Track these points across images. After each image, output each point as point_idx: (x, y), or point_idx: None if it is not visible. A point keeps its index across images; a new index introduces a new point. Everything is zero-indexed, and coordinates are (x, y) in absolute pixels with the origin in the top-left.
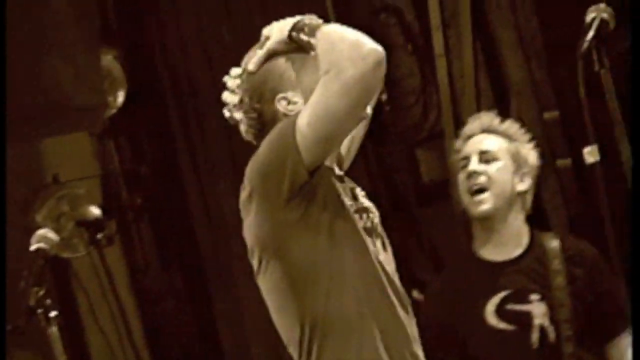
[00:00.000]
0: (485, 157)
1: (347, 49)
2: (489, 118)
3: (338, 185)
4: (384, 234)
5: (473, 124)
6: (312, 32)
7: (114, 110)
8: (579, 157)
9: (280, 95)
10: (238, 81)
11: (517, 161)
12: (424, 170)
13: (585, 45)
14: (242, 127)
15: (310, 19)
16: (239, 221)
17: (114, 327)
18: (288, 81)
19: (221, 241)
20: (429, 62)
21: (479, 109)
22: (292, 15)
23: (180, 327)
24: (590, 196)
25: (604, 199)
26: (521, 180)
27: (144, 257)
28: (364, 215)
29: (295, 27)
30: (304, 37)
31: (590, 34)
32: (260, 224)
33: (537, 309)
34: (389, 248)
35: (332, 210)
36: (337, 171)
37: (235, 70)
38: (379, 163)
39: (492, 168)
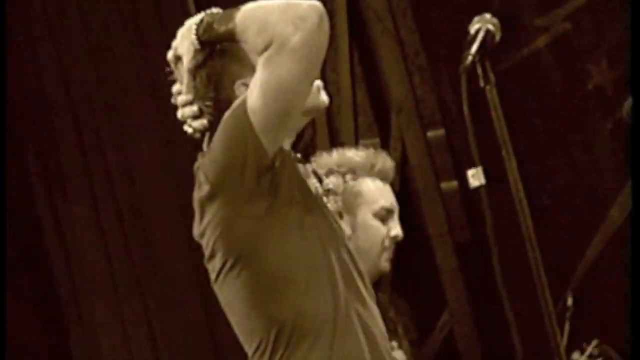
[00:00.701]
0: None
1: (283, 16)
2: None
3: (301, 167)
4: None
5: (386, 162)
6: (228, 19)
7: None
8: (465, 180)
9: (240, 81)
10: (190, 96)
11: None
12: None
13: (469, 59)
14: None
15: (212, 12)
16: (99, 249)
17: None
18: (247, 67)
19: (77, 272)
20: None
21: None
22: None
23: None
24: (477, 222)
25: (490, 225)
26: None
27: None
28: (331, 198)
29: (200, 29)
30: (219, 29)
31: (474, 46)
32: (224, 222)
33: (398, 357)
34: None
35: (299, 197)
36: (295, 154)
37: (176, 88)
38: None
39: None
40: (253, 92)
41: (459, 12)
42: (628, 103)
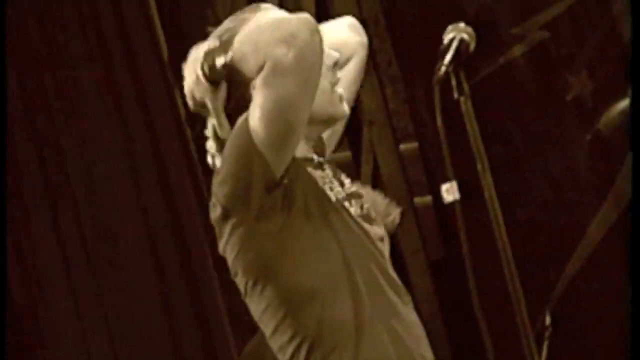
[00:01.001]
0: None
1: (274, 35)
2: None
3: (319, 174)
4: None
5: (397, 218)
6: (226, 49)
7: None
8: (440, 195)
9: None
10: (228, 129)
11: None
12: None
13: (442, 69)
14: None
15: (210, 49)
16: (59, 263)
17: None
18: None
19: (38, 294)
20: None
21: None
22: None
23: None
24: (452, 239)
25: (465, 241)
26: None
27: None
28: (354, 202)
29: (205, 71)
30: (219, 65)
31: (448, 56)
32: (240, 242)
33: None
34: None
35: (316, 209)
36: (317, 158)
37: (212, 122)
38: None
39: None
40: (254, 113)
41: (433, 21)
42: (606, 116)
